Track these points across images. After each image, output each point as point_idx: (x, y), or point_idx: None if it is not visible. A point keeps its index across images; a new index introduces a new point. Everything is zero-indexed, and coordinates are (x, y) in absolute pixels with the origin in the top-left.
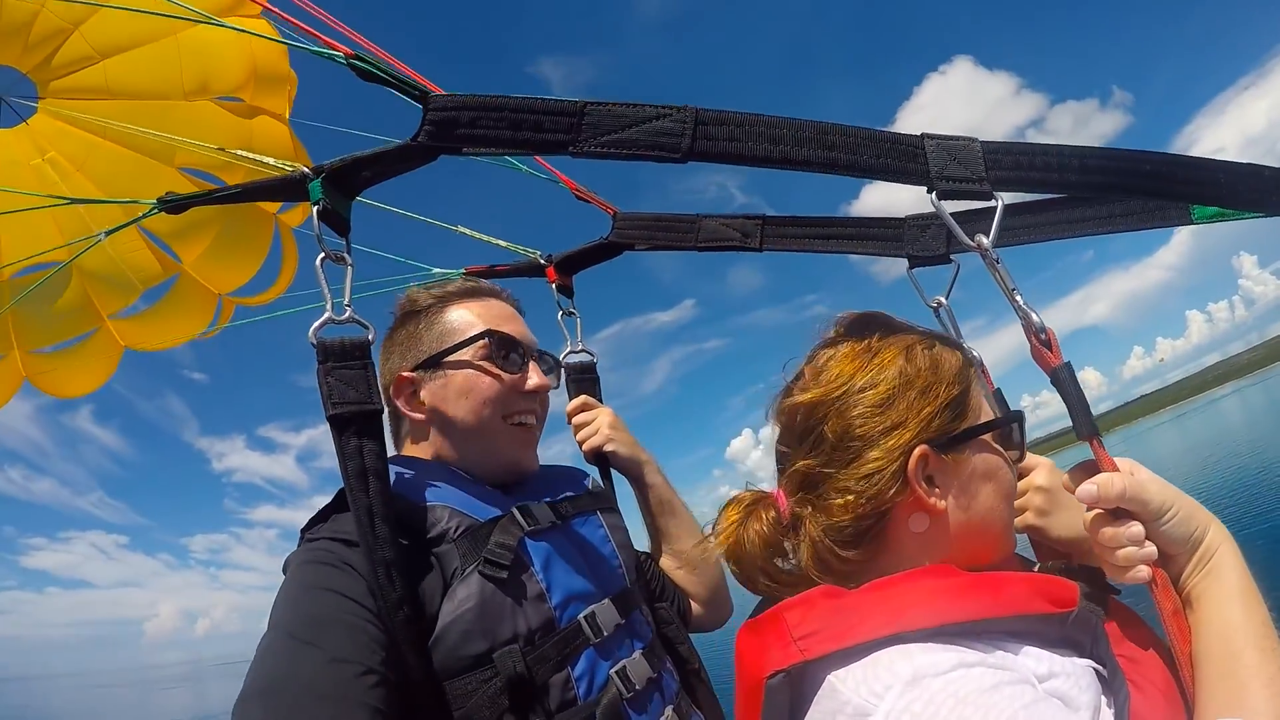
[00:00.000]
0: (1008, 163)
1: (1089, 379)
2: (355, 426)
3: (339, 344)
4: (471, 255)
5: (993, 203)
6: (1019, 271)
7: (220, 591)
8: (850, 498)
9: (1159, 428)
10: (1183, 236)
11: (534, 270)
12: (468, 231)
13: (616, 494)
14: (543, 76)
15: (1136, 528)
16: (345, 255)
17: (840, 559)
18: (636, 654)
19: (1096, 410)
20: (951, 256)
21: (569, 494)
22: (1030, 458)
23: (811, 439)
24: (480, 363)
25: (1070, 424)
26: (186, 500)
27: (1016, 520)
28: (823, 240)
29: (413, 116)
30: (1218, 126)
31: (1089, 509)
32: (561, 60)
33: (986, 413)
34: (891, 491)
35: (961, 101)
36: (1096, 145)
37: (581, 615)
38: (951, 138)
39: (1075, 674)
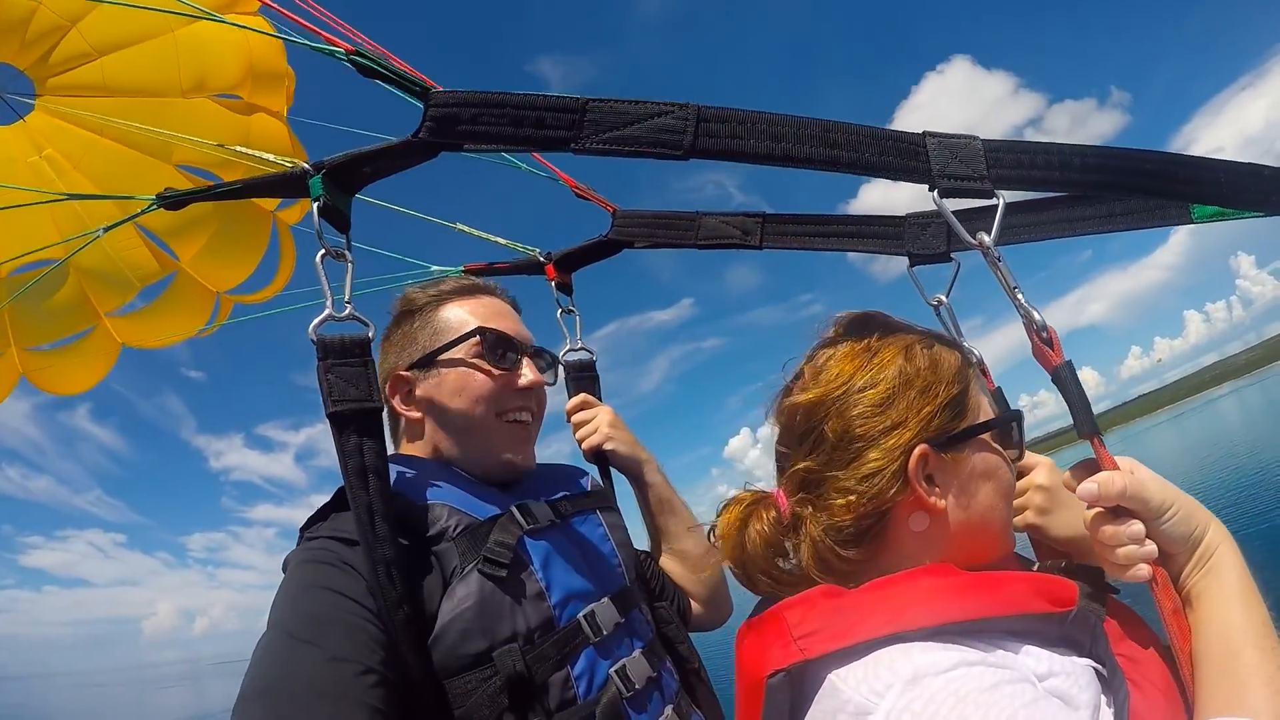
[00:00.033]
0: (1009, 161)
1: (1086, 379)
2: (355, 424)
3: (339, 341)
4: (471, 253)
5: (994, 201)
6: (1016, 271)
7: (218, 590)
8: (851, 498)
9: (1156, 428)
10: (1180, 236)
11: (533, 268)
12: (467, 229)
13: (616, 493)
14: (542, 75)
15: (1137, 526)
16: (345, 252)
17: (841, 559)
18: (636, 653)
19: (1094, 410)
20: (952, 255)
21: (568, 493)
22: (1030, 456)
23: (812, 439)
24: (473, 360)
25: (1068, 424)
26: (184, 499)
27: (1017, 519)
28: (823, 238)
29: (410, 115)
30: (1216, 126)
31: (1089, 507)
32: (561, 59)
33: (985, 412)
34: (892, 491)
35: (960, 101)
36: (1096, 144)
37: (581, 614)
38: (953, 136)
39: (1075, 673)
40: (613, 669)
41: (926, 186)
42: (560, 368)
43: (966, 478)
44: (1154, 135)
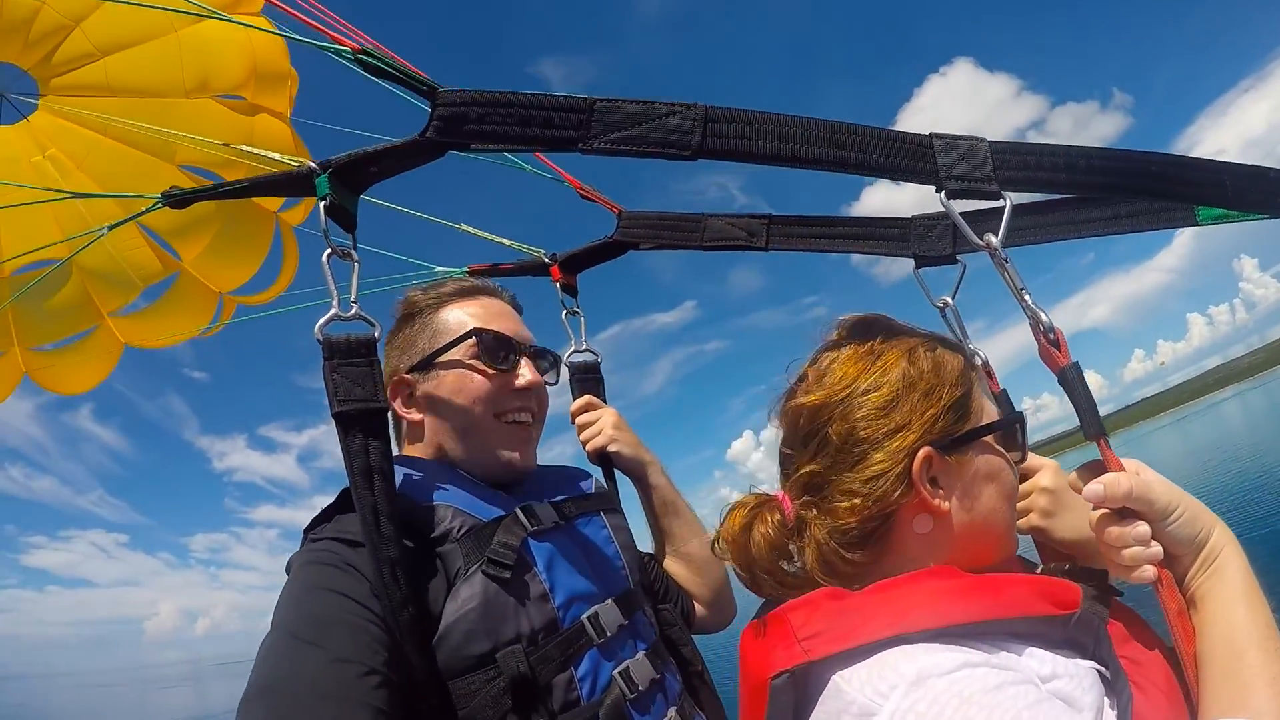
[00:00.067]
0: (1015, 162)
1: (1089, 381)
2: (361, 424)
3: (345, 341)
4: (476, 254)
5: (1001, 202)
6: (1020, 274)
7: (220, 591)
8: (856, 500)
9: (1159, 431)
10: (1184, 239)
11: (538, 269)
12: (472, 230)
13: (620, 495)
14: (543, 76)
15: (1143, 527)
16: (352, 251)
17: (845, 561)
18: (640, 655)
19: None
20: (958, 256)
21: (572, 494)
22: (1035, 459)
23: (816, 442)
24: (470, 361)
25: (1070, 428)
26: (187, 499)
27: (1021, 521)
28: (829, 240)
29: (411, 116)
30: (1218, 129)
31: (1095, 508)
32: (562, 60)
33: (988, 414)
34: (896, 493)
35: (962, 103)
36: (1102, 146)
37: (585, 616)
38: (960, 137)
39: (1078, 675)
40: (616, 670)
41: (933, 188)
42: (565, 369)
43: (970, 480)
44: (1156, 138)
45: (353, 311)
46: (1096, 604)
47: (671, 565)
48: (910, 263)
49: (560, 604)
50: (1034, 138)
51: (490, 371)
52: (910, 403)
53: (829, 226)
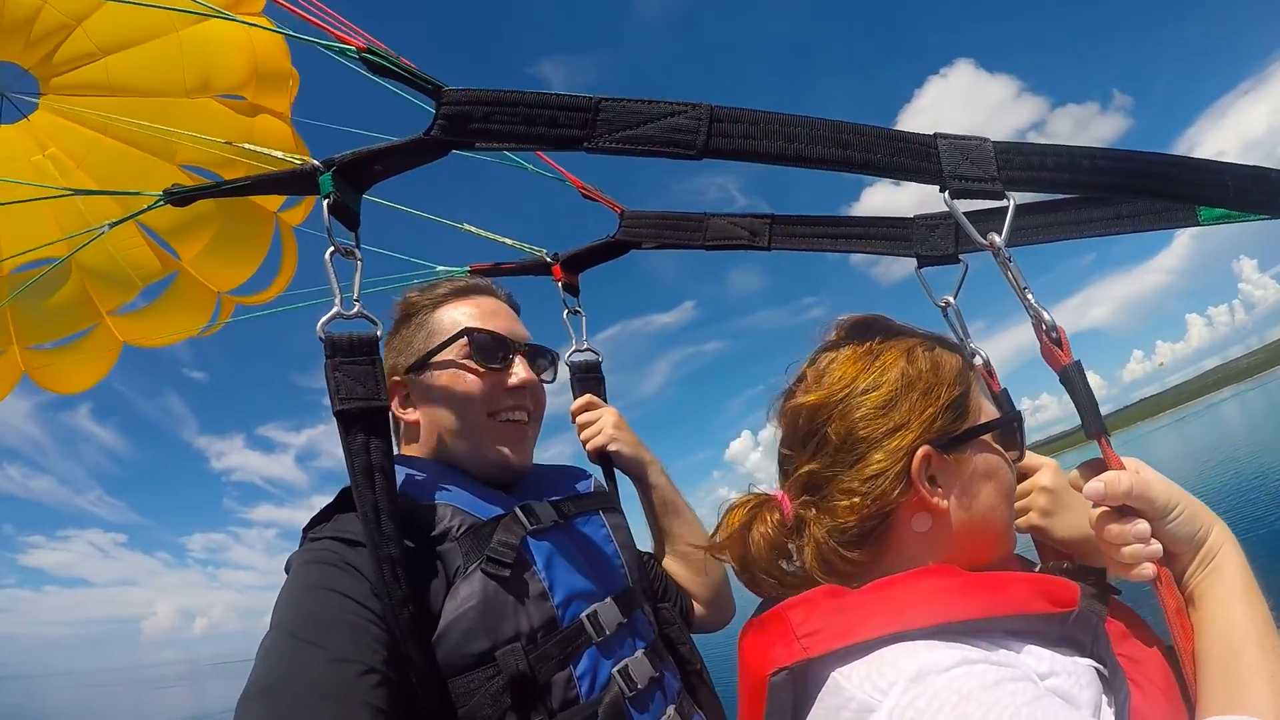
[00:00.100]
0: (1019, 163)
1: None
2: (362, 423)
3: (347, 339)
4: (479, 253)
5: (1004, 202)
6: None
7: (218, 591)
8: (855, 499)
9: (1158, 432)
10: (1183, 240)
11: (540, 268)
12: (474, 229)
13: (620, 494)
14: (543, 77)
15: (1142, 525)
16: (355, 250)
17: (845, 560)
18: (639, 653)
19: None
20: (960, 256)
21: (571, 493)
22: (1035, 458)
23: (815, 441)
24: (463, 361)
25: (1068, 428)
26: (185, 499)
27: (1021, 520)
28: (831, 239)
29: (413, 117)
30: (1218, 130)
31: (1095, 505)
32: (561, 60)
33: (987, 413)
34: (895, 492)
35: (963, 104)
36: (1105, 147)
37: (584, 614)
38: (963, 137)
39: (1076, 673)
40: (615, 669)
41: (937, 188)
42: (565, 368)
43: (969, 478)
44: (1156, 139)
45: (355, 310)
46: (1095, 602)
47: (671, 564)
48: (912, 263)
49: (559, 602)
50: (1034, 139)
51: (482, 370)
52: (909, 402)
53: (832, 226)
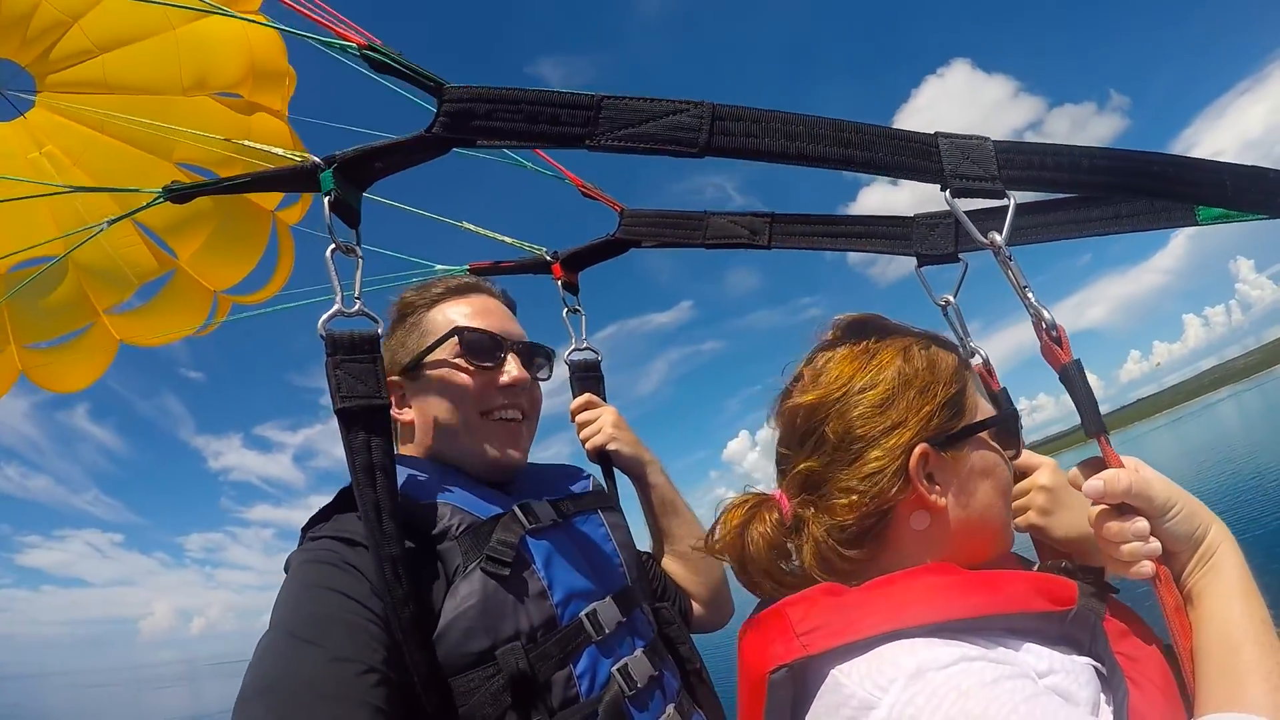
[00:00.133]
0: (1019, 162)
1: None
2: (363, 421)
3: (348, 337)
4: (478, 252)
5: (1005, 201)
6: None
7: (216, 590)
8: (854, 497)
9: (1155, 432)
10: (1180, 240)
11: (540, 267)
12: (473, 228)
13: (619, 493)
14: (542, 76)
15: (1141, 523)
16: (355, 248)
17: (843, 558)
18: (638, 652)
19: None
20: (960, 255)
21: (570, 492)
22: (1033, 457)
23: (813, 440)
24: (454, 361)
25: (1066, 428)
26: (182, 499)
27: (1019, 519)
28: (831, 238)
29: (413, 115)
30: (1215, 130)
31: (1094, 504)
32: (561, 60)
33: (983, 410)
34: (894, 490)
35: (960, 104)
36: (1104, 147)
37: (583, 613)
38: (964, 136)
39: (1074, 671)
40: (615, 667)
41: (938, 186)
42: (564, 366)
43: (966, 476)
44: (1153, 139)
45: (356, 307)
46: (1093, 600)
47: (670, 564)
48: (911, 262)
49: (559, 601)
50: (1031, 139)
51: (474, 369)
52: (906, 400)
53: (831, 225)
